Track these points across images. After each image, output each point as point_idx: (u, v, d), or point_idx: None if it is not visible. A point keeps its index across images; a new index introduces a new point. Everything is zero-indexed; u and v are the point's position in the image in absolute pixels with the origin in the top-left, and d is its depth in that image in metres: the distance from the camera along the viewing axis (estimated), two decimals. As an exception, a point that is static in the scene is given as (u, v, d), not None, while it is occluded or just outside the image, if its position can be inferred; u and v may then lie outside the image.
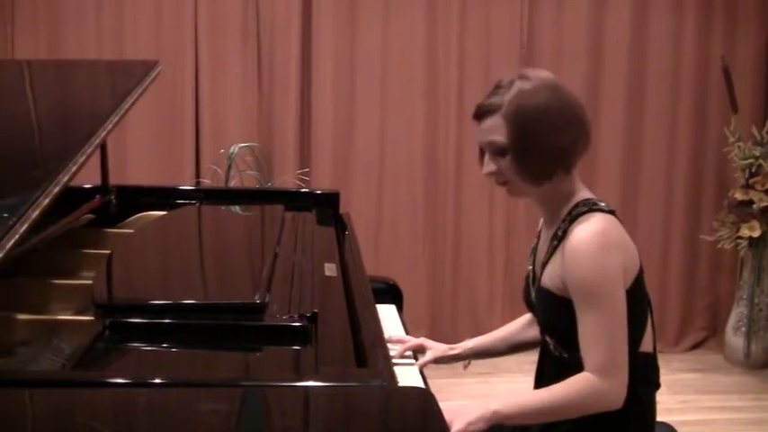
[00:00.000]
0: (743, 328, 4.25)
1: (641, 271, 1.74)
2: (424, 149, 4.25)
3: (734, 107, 4.17)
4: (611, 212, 1.72)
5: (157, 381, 1.29)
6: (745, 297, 4.25)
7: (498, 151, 1.72)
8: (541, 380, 1.87)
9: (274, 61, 4.14)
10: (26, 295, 1.73)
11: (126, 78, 2.40)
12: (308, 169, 4.11)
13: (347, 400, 1.27)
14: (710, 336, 4.55)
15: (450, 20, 4.18)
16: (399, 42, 4.18)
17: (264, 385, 1.31)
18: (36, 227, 1.52)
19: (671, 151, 4.39)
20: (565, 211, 1.75)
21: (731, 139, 4.14)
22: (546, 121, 1.68)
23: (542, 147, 1.69)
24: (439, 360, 2.01)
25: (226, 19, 4.08)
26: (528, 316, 2.02)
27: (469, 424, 1.61)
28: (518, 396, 1.71)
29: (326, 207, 2.57)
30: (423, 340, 2.05)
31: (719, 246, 4.21)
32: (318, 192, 2.66)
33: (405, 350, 2.01)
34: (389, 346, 1.84)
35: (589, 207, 1.72)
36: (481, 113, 1.74)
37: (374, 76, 4.19)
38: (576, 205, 1.73)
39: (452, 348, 2.03)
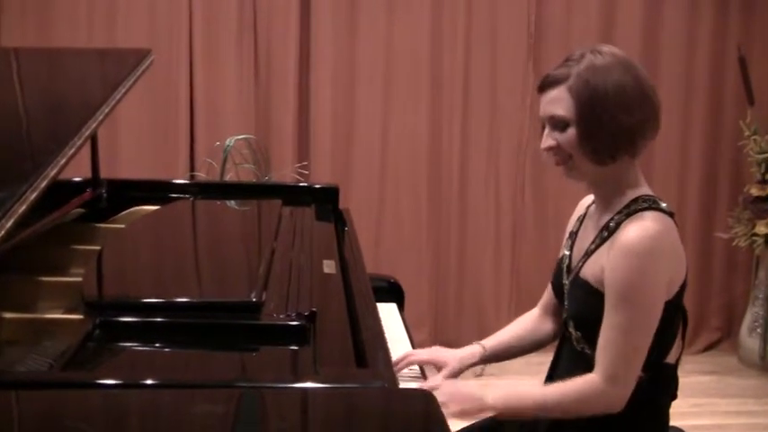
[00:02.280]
0: (758, 329, 4.25)
1: (685, 283, 1.72)
2: (428, 142, 4.25)
3: (750, 99, 4.16)
4: (671, 215, 1.71)
5: (150, 382, 1.29)
6: (760, 297, 4.25)
7: (558, 125, 1.69)
8: (555, 372, 1.86)
9: (272, 50, 4.13)
10: (13, 293, 1.73)
11: (118, 67, 2.39)
12: (306, 163, 4.11)
13: (347, 401, 1.27)
14: (725, 337, 4.55)
15: (455, 8, 4.18)
16: (402, 31, 4.17)
17: (261, 386, 1.30)
18: (23, 222, 1.52)
19: (684, 145, 4.39)
20: (622, 201, 1.73)
21: (747, 133, 4.13)
22: (615, 98, 1.66)
23: (609, 124, 1.66)
24: (457, 374, 1.91)
25: (221, 6, 4.07)
26: (535, 311, 2.00)
27: (463, 412, 1.65)
28: (516, 391, 1.72)
29: (326, 202, 2.57)
30: (433, 354, 1.95)
31: (734, 243, 4.21)
32: (317, 186, 2.66)
33: (409, 364, 1.93)
34: (388, 339, 1.81)
35: (649, 204, 1.70)
36: (545, 84, 1.71)
37: (376, 66, 4.19)
38: (636, 199, 1.71)
39: (467, 358, 1.93)
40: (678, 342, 1.77)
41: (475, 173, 4.30)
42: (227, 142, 3.77)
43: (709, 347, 4.51)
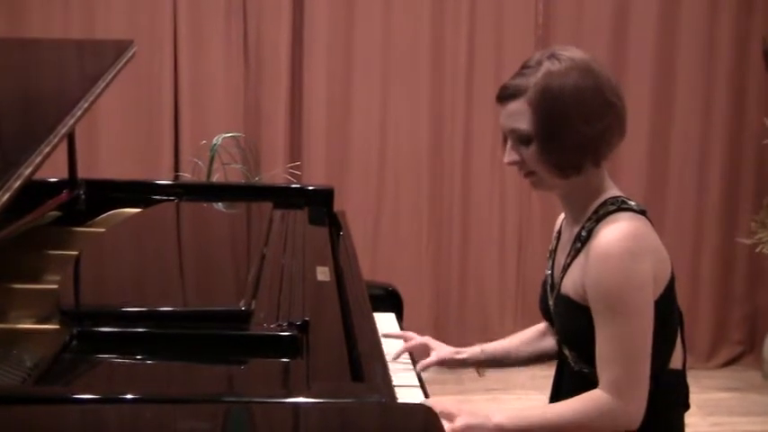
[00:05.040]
0: (783, 342, 4.26)
1: (673, 279, 1.73)
2: (429, 140, 4.25)
3: (775, 95, 4.17)
4: (642, 212, 1.72)
5: (130, 396, 1.29)
6: (786, 307, 4.25)
7: (522, 139, 1.71)
8: (558, 396, 1.88)
9: (262, 42, 4.14)
10: (-16, 301, 1.74)
11: (97, 60, 2.41)
12: (299, 163, 4.12)
13: (341, 417, 1.27)
14: (747, 351, 4.55)
15: (458, -4, 4.19)
16: (402, 21, 4.18)
17: (250, 401, 1.31)
18: (-4, 224, 1.53)
19: (704, 144, 4.39)
20: (591, 209, 1.74)
21: (772, 131, 4.14)
22: (575, 107, 1.67)
23: (570, 136, 1.68)
24: (443, 363, 2.01)
25: (207, -9, 4.08)
26: (544, 324, 2.02)
27: (469, 426, 1.65)
28: (523, 410, 1.73)
29: (319, 204, 2.57)
30: (427, 339, 2.05)
31: (758, 250, 4.21)
32: (310, 188, 2.67)
33: (405, 350, 2.03)
34: (385, 341, 1.85)
35: (618, 206, 1.71)
36: (505, 96, 1.72)
37: (373, 59, 4.20)
38: (604, 203, 1.73)
39: (459, 352, 2.02)
40: (679, 345, 1.78)
41: (478, 173, 4.31)
42: (215, 140, 3.78)
43: (730, 362, 4.50)
